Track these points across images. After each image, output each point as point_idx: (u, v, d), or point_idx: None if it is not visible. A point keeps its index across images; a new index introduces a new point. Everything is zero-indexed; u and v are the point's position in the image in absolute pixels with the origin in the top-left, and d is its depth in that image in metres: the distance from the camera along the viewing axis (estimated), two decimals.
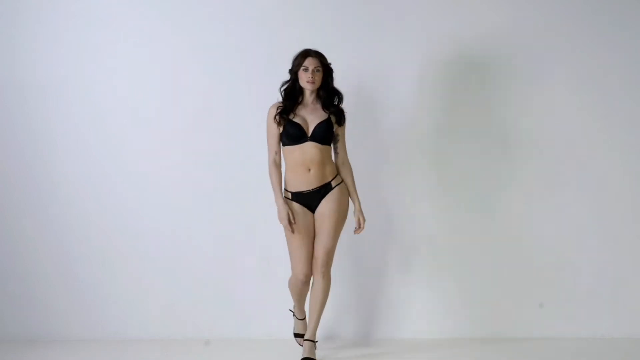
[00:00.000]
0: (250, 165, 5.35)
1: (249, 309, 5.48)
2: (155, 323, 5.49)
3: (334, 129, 4.63)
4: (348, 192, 4.71)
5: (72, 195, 5.51)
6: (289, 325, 5.32)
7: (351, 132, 4.95)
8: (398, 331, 5.44)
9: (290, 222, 4.58)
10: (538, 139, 5.44)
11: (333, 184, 4.64)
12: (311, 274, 4.66)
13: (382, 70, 5.41)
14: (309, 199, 4.61)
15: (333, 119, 4.63)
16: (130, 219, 5.50)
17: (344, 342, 5.34)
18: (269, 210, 4.90)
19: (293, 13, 5.46)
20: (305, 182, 4.59)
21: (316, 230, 4.64)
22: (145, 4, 5.50)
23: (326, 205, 4.60)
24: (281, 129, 4.59)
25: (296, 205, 4.62)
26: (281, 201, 4.58)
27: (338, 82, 4.73)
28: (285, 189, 4.66)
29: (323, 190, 4.61)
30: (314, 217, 4.64)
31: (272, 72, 5.06)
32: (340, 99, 4.66)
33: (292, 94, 4.61)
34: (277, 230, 4.83)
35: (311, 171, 4.57)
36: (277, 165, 4.64)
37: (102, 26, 5.47)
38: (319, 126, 4.57)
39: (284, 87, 4.64)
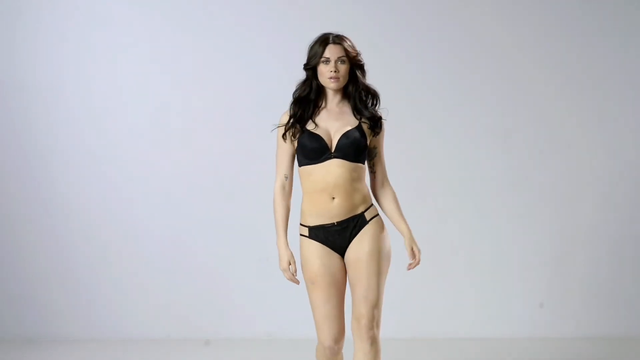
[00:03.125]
0: (250, 166, 5.35)
1: (249, 309, 5.48)
2: (155, 323, 5.49)
3: (368, 141, 3.34)
4: (384, 225, 3.42)
5: (72, 196, 5.51)
6: (289, 325, 5.32)
7: None
8: (397, 331, 5.44)
9: (292, 275, 3.38)
10: (538, 139, 5.44)
11: (367, 216, 3.35)
12: (342, 339, 3.38)
13: (380, 69, 5.41)
14: (334, 237, 3.32)
15: (366, 126, 3.34)
16: (130, 219, 5.50)
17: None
18: (268, 210, 4.88)
19: (294, 13, 5.47)
20: (328, 214, 3.30)
21: (351, 281, 3.33)
22: (146, 4, 5.50)
23: (361, 247, 3.31)
24: (296, 144, 3.35)
25: (316, 246, 3.34)
26: (282, 243, 3.40)
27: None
28: (301, 224, 3.38)
29: (353, 225, 3.32)
30: (342, 260, 3.36)
31: (273, 72, 5.07)
32: (377, 99, 3.41)
33: (308, 98, 3.35)
34: None
35: (335, 200, 3.28)
36: (285, 194, 3.42)
37: (102, 26, 5.47)
38: (345, 136, 3.28)
39: (299, 89, 3.38)
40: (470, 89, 5.43)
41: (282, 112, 3.38)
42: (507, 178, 5.45)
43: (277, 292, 5.34)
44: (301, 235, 3.38)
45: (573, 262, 5.44)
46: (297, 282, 3.39)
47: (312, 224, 3.33)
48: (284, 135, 3.35)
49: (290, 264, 3.37)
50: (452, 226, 5.46)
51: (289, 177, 3.43)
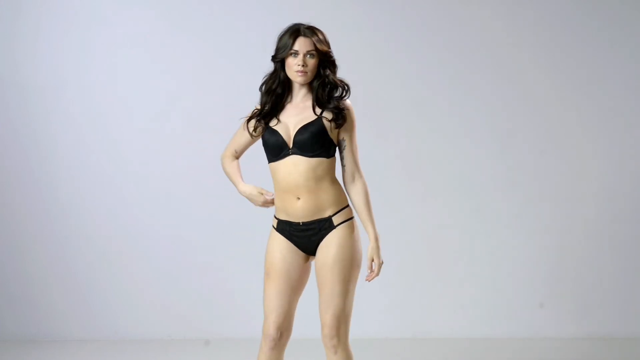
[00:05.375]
0: (250, 165, 5.34)
1: (249, 309, 5.47)
2: (155, 323, 5.49)
3: (329, 133, 3.17)
4: (355, 230, 3.25)
5: (72, 195, 5.51)
6: None
7: None
8: (397, 331, 5.44)
9: (266, 200, 3.32)
10: (538, 139, 5.44)
11: (335, 220, 3.19)
12: (286, 334, 3.26)
13: (380, 68, 5.42)
14: (299, 236, 3.21)
15: (328, 118, 3.17)
16: (130, 219, 5.50)
17: None
18: (268, 210, 4.88)
19: (294, 13, 5.46)
20: (294, 214, 3.20)
21: (318, 287, 3.22)
22: (146, 4, 5.50)
23: (327, 253, 3.17)
24: (259, 138, 3.31)
25: (280, 239, 3.24)
26: (243, 184, 3.40)
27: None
28: (274, 215, 3.31)
29: (318, 228, 3.19)
30: (307, 261, 3.27)
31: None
32: (345, 90, 3.22)
33: (276, 92, 3.25)
34: None
35: (300, 201, 3.17)
36: (232, 158, 3.49)
37: (102, 27, 5.47)
38: (300, 132, 3.16)
39: (265, 82, 3.29)
40: (470, 89, 5.44)
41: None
42: (507, 178, 5.45)
43: None
44: (272, 225, 3.30)
45: (573, 262, 5.44)
46: (271, 201, 3.30)
47: (280, 218, 3.25)
48: (247, 125, 3.30)
49: (261, 192, 3.31)
50: (452, 226, 5.46)
51: (239, 152, 3.46)
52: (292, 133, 3.17)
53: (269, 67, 5.50)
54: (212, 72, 5.46)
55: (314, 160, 3.15)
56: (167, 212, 5.49)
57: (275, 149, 3.19)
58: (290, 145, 3.16)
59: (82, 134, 5.50)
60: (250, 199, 3.36)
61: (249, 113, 3.33)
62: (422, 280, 5.47)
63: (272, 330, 3.21)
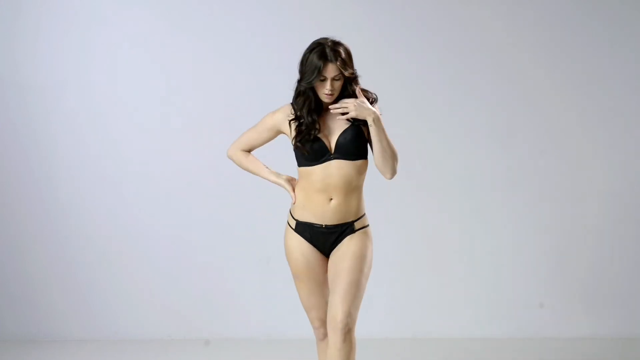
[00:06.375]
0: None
1: (249, 309, 5.48)
2: (155, 323, 5.49)
3: (366, 134, 3.36)
4: (371, 238, 3.42)
5: (72, 195, 5.51)
6: (289, 325, 5.32)
7: None
8: (397, 331, 5.44)
9: (290, 183, 3.43)
10: (539, 139, 5.44)
11: (356, 225, 3.36)
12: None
13: (380, 68, 5.42)
14: (318, 238, 3.36)
15: (362, 123, 3.34)
16: (130, 219, 5.50)
17: None
18: (268, 210, 4.90)
19: (294, 12, 5.47)
20: (321, 215, 3.32)
21: (331, 279, 3.35)
22: (146, 4, 5.50)
23: (347, 249, 3.32)
24: (302, 147, 3.31)
25: (300, 241, 3.37)
26: (274, 175, 3.48)
27: None
28: (290, 213, 3.41)
29: (340, 231, 3.34)
30: (325, 259, 3.41)
31: (273, 71, 5.07)
32: (371, 102, 3.38)
33: (315, 115, 3.31)
34: (277, 229, 4.83)
35: (333, 202, 3.30)
36: (245, 153, 3.56)
37: (102, 27, 5.47)
38: (342, 136, 3.30)
39: (298, 99, 3.33)
40: (470, 89, 5.43)
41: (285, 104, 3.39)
42: (507, 178, 5.45)
43: (277, 292, 5.34)
44: (288, 224, 3.41)
45: (573, 262, 5.44)
46: (293, 190, 3.41)
47: (300, 219, 3.36)
48: (295, 143, 3.30)
49: (287, 180, 3.42)
50: (452, 226, 5.46)
51: (250, 151, 3.54)
52: (332, 138, 3.31)
53: (269, 67, 5.52)
54: (212, 72, 5.46)
55: (357, 163, 3.33)
56: (167, 212, 5.49)
57: (316, 155, 3.29)
58: (332, 151, 3.29)
59: (82, 134, 5.50)
60: (280, 183, 3.47)
61: (276, 114, 3.40)
62: (422, 280, 5.47)
63: (317, 323, 3.47)
